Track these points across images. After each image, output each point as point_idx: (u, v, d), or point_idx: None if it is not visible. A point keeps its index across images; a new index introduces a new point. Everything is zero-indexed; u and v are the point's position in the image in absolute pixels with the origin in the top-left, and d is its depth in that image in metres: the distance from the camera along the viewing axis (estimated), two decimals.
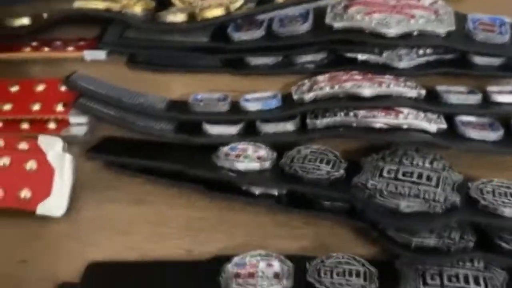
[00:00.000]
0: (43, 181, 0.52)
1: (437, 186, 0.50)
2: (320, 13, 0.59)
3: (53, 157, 0.53)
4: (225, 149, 0.54)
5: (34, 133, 0.56)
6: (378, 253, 0.50)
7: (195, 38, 0.60)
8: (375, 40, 0.56)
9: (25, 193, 0.52)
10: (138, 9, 0.61)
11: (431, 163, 0.52)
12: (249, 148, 0.54)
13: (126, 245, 0.52)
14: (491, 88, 0.56)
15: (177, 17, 0.60)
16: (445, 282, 0.46)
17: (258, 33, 0.59)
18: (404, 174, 0.51)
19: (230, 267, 0.48)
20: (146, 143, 0.57)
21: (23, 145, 0.53)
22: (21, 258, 0.51)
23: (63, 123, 0.58)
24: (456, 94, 0.55)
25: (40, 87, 0.59)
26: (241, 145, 0.55)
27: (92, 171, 0.57)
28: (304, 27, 0.58)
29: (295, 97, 0.56)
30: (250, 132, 0.56)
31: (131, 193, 0.55)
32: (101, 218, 0.54)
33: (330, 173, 0.52)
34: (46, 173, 0.53)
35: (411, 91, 0.55)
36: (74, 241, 0.53)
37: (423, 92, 0.55)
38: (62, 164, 0.53)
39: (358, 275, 0.47)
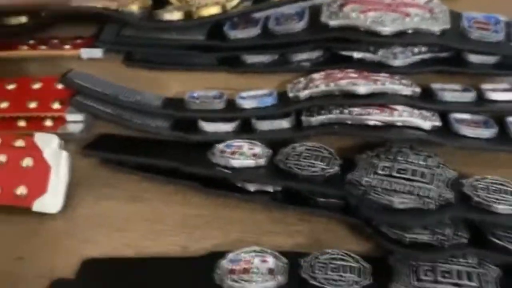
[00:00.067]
0: (39, 178, 0.53)
1: (430, 183, 0.50)
2: (315, 11, 0.59)
3: (49, 154, 0.53)
4: (221, 146, 0.55)
5: (31, 130, 0.56)
6: (372, 249, 0.50)
7: (191, 36, 0.60)
8: (370, 38, 0.56)
9: (21, 190, 0.53)
10: (135, 8, 0.61)
11: (425, 160, 0.52)
12: (245, 146, 0.55)
13: (122, 242, 0.52)
14: (485, 86, 0.56)
15: (174, 15, 0.60)
16: (439, 278, 0.46)
17: (254, 31, 0.59)
18: (398, 171, 0.51)
19: (224, 263, 0.48)
20: (142, 140, 0.58)
21: (20, 143, 0.54)
22: (18, 255, 0.52)
23: (59, 121, 0.58)
24: (451, 92, 0.55)
25: (37, 85, 0.59)
26: (237, 143, 0.55)
27: (89, 168, 0.57)
28: (300, 25, 0.58)
29: (290, 94, 0.56)
30: (245, 130, 0.56)
31: (127, 190, 0.56)
32: (98, 215, 0.54)
33: (324, 170, 0.52)
34: (42, 170, 0.53)
35: (406, 89, 0.55)
36: (71, 238, 0.53)
37: (418, 90, 0.55)
38: (58, 161, 0.53)
39: (352, 271, 0.47)
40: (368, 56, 0.58)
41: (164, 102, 0.58)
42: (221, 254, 0.49)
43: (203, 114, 0.57)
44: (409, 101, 0.54)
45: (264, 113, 0.56)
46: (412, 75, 0.57)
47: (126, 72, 0.62)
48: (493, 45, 0.56)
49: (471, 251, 0.48)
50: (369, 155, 0.53)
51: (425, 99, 0.55)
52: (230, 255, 0.48)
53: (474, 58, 0.57)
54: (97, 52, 0.62)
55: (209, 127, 0.56)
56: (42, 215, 0.53)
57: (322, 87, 0.55)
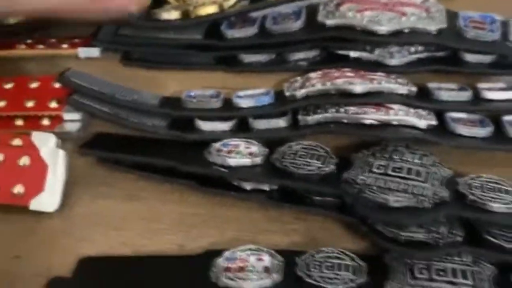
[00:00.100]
0: (36, 177, 0.53)
1: (426, 181, 0.50)
2: (312, 11, 0.59)
3: (46, 153, 0.53)
4: (217, 145, 0.55)
5: (28, 129, 0.56)
6: (368, 248, 0.50)
7: (189, 36, 0.60)
8: (366, 38, 0.56)
9: (19, 189, 0.53)
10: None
11: (420, 158, 0.53)
12: (241, 145, 0.55)
13: (119, 240, 0.52)
14: (481, 85, 0.56)
15: (172, 14, 0.60)
16: (434, 276, 0.47)
17: (252, 30, 0.59)
18: (394, 170, 0.51)
19: (220, 261, 0.48)
20: (139, 139, 0.58)
21: (17, 141, 0.54)
22: (15, 254, 0.52)
23: (57, 120, 0.58)
24: (447, 91, 0.56)
25: (34, 84, 0.59)
26: (233, 142, 0.55)
27: (86, 167, 0.57)
28: (297, 25, 0.58)
29: (287, 93, 0.56)
30: (242, 129, 0.56)
31: (124, 189, 0.56)
32: (94, 214, 0.54)
33: (320, 169, 0.52)
34: (39, 169, 0.53)
35: (402, 88, 0.55)
36: (68, 237, 0.53)
37: (414, 89, 0.55)
38: (55, 160, 0.53)
39: (347, 269, 0.47)
40: (364, 55, 0.58)
41: (161, 101, 0.58)
42: (217, 253, 0.49)
43: (200, 113, 0.57)
44: (405, 100, 0.55)
45: (261, 112, 0.56)
46: (409, 74, 0.57)
47: (123, 71, 0.62)
48: (488, 44, 0.56)
49: (466, 249, 0.48)
50: (365, 154, 0.53)
51: (421, 98, 0.55)
52: (226, 254, 0.49)
53: (470, 57, 0.57)
54: (94, 51, 0.62)
55: (206, 126, 0.57)
56: (39, 213, 0.53)
57: (319, 86, 0.55)
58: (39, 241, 0.53)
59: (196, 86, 0.59)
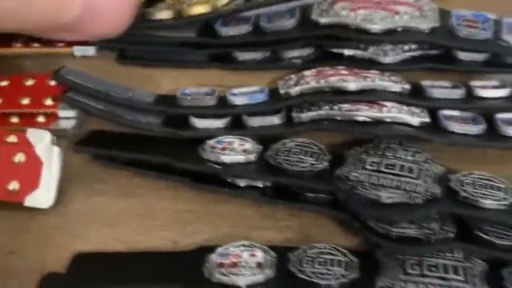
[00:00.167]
0: (31, 173, 0.53)
1: (418, 178, 0.51)
2: (306, 10, 0.59)
3: (41, 150, 0.54)
4: (211, 142, 0.55)
5: (23, 126, 0.56)
6: (360, 244, 0.50)
7: (183, 34, 0.60)
8: (360, 36, 0.56)
9: (14, 185, 0.53)
10: None
11: (413, 155, 0.53)
12: (235, 142, 0.55)
13: (113, 237, 0.53)
14: (474, 83, 0.56)
15: (164, 14, 0.60)
16: (425, 271, 0.47)
17: (246, 28, 0.60)
18: (386, 167, 0.52)
19: (214, 257, 0.48)
20: (134, 136, 0.58)
21: (12, 138, 0.54)
22: (9, 250, 0.52)
23: (52, 117, 0.58)
24: (440, 88, 0.56)
25: (30, 82, 0.59)
26: (228, 139, 0.55)
27: (81, 164, 0.57)
28: (290, 23, 0.59)
29: (281, 91, 0.57)
30: (236, 126, 0.57)
31: (119, 186, 0.56)
32: (89, 210, 0.55)
33: (314, 166, 0.52)
34: (34, 165, 0.53)
35: (396, 85, 0.55)
36: (63, 234, 0.53)
37: (407, 86, 0.55)
38: (50, 157, 0.54)
39: (339, 264, 0.48)
40: (359, 53, 0.58)
41: (156, 99, 0.58)
42: (210, 249, 0.49)
43: (195, 111, 0.57)
44: (399, 98, 0.55)
45: (255, 110, 0.57)
46: (402, 72, 0.57)
47: (119, 69, 0.62)
48: (481, 42, 0.56)
49: (458, 246, 0.48)
50: (358, 151, 0.54)
51: (415, 96, 0.55)
52: (220, 249, 0.49)
53: (463, 55, 0.57)
54: (90, 50, 0.62)
55: (201, 123, 0.57)
56: (34, 210, 0.53)
57: (313, 84, 0.56)
58: (34, 237, 0.53)
59: (191, 84, 0.59)
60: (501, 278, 0.47)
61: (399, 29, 0.56)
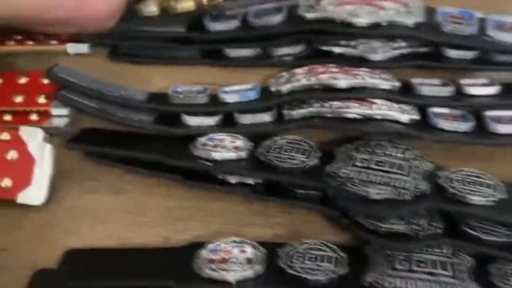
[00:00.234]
0: (23, 170, 0.53)
1: (407, 174, 0.51)
2: (293, 6, 0.60)
3: (33, 148, 0.54)
4: (203, 139, 0.55)
5: (16, 124, 0.57)
6: (349, 240, 0.51)
7: (172, 29, 0.61)
8: (345, 29, 0.57)
9: (6, 183, 0.53)
10: None
11: (403, 153, 0.53)
12: (227, 139, 0.55)
13: (105, 233, 0.53)
14: (464, 81, 0.57)
15: (151, 9, 0.61)
16: (413, 267, 0.47)
17: (234, 23, 0.60)
18: (376, 164, 0.52)
19: (204, 253, 0.49)
20: (126, 134, 0.58)
21: (5, 136, 0.54)
22: (2, 247, 0.52)
23: (45, 115, 0.59)
24: (430, 86, 0.56)
25: (23, 80, 0.59)
26: (219, 136, 0.56)
27: (73, 162, 0.57)
28: (278, 18, 0.59)
29: (272, 89, 0.57)
30: (228, 123, 0.57)
31: (110, 183, 0.56)
32: (81, 207, 0.55)
33: (304, 163, 0.53)
34: (26, 163, 0.54)
35: (386, 83, 0.56)
36: (55, 230, 0.54)
37: (397, 84, 0.56)
38: (42, 154, 0.54)
39: (329, 260, 0.48)
40: (348, 51, 0.58)
41: (148, 97, 0.59)
42: (201, 245, 0.50)
43: (186, 108, 0.57)
44: (388, 95, 0.55)
45: (247, 107, 0.57)
46: (392, 70, 0.57)
47: (113, 67, 0.63)
48: (466, 38, 0.56)
49: (446, 241, 0.49)
50: (348, 148, 0.54)
51: (405, 93, 0.56)
52: (210, 246, 0.49)
53: (452, 53, 0.57)
54: (83, 47, 0.63)
55: (192, 121, 0.57)
56: (26, 207, 0.54)
57: (303, 82, 0.56)
58: (26, 234, 0.53)
59: (183, 82, 0.60)
60: (488, 274, 0.47)
61: (384, 23, 0.56)
